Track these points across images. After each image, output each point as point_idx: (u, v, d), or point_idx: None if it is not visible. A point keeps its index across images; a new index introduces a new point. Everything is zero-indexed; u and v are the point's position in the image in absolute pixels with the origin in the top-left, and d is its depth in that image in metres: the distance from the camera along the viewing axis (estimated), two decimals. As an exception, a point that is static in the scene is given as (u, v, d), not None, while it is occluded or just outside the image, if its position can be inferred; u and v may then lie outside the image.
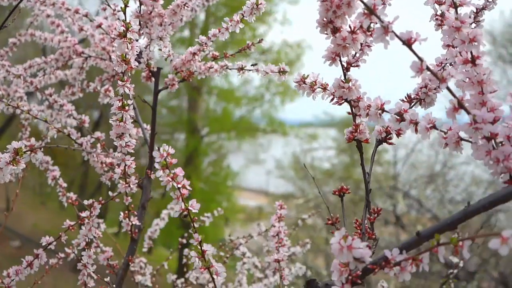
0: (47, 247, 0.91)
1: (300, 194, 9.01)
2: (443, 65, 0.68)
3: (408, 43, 0.50)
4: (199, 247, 0.65)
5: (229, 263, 1.73)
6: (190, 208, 0.63)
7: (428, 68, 0.50)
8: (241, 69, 0.95)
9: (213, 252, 0.75)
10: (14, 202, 1.16)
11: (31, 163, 1.27)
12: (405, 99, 0.68)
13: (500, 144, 0.52)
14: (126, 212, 0.96)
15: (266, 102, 12.18)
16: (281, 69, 0.86)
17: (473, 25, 0.72)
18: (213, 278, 0.64)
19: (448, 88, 0.51)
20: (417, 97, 0.68)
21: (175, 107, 11.85)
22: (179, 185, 0.62)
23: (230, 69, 0.97)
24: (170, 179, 0.61)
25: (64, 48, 1.21)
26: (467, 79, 0.54)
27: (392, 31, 0.50)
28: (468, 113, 0.51)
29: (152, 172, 0.95)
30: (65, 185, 1.10)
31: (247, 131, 12.18)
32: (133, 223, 0.96)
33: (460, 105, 0.51)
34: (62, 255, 1.10)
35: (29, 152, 0.67)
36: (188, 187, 0.62)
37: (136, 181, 0.90)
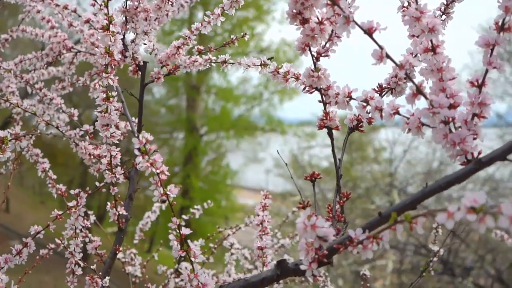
0: (35, 235, 0.94)
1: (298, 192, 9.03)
2: (413, 55, 0.71)
3: (369, 32, 0.53)
4: (177, 231, 0.67)
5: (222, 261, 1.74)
6: (168, 193, 0.65)
7: (387, 56, 0.53)
8: (224, 62, 0.98)
9: (201, 244, 0.78)
10: (6, 193, 1.18)
11: (29, 162, 1.29)
12: (376, 89, 0.71)
13: (459, 128, 0.55)
14: (113, 202, 0.98)
15: (265, 100, 12.24)
16: (263, 62, 0.89)
17: (443, 16, 0.75)
18: (190, 261, 0.67)
19: (407, 75, 0.54)
20: (388, 86, 0.71)
21: (174, 106, 11.90)
22: (158, 171, 0.64)
23: (214, 62, 1.00)
24: (149, 165, 0.64)
25: (54, 43, 1.23)
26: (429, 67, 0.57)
27: (353, 21, 0.52)
28: (426, 98, 0.54)
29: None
30: (54, 177, 1.12)
31: (246, 129, 12.23)
32: (120, 213, 0.99)
33: (418, 91, 0.54)
34: (52, 245, 1.12)
35: (14, 140, 0.70)
36: (167, 173, 0.65)
37: (122, 172, 0.93)
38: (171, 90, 11.73)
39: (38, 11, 1.24)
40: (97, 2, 1.02)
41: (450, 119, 0.53)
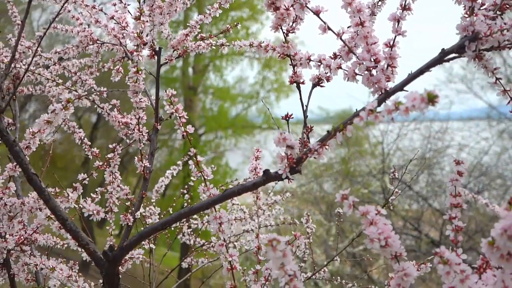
0: (82, 181, 1.22)
1: (298, 188, 9.31)
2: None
3: (317, 13, 0.82)
4: (195, 159, 0.96)
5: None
6: (188, 130, 0.94)
7: (329, 28, 0.82)
8: (222, 45, 1.26)
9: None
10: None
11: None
12: (331, 56, 0.99)
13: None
14: (140, 156, 1.27)
15: (262, 99, 12.52)
16: (251, 43, 1.17)
17: (380, 3, 1.03)
18: (204, 178, 0.96)
19: (342, 40, 0.83)
20: (340, 54, 0.99)
21: (166, 110, 12.14)
22: (180, 115, 0.93)
23: (214, 46, 1.29)
24: (174, 111, 0.93)
25: (83, 37, 1.52)
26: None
27: (306, 6, 0.81)
28: (355, 54, 0.82)
29: (159, 125, 1.26)
30: (89, 143, 1.40)
31: (244, 128, 12.50)
32: (145, 165, 1.27)
33: (350, 50, 0.83)
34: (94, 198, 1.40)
35: (77, 100, 0.99)
36: (186, 117, 0.93)
37: (147, 131, 1.22)
38: (163, 90, 11.98)
39: (69, 11, 1.52)
40: (121, 1, 1.31)
41: (371, 68, 0.82)
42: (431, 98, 0.58)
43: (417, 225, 6.32)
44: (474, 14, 0.75)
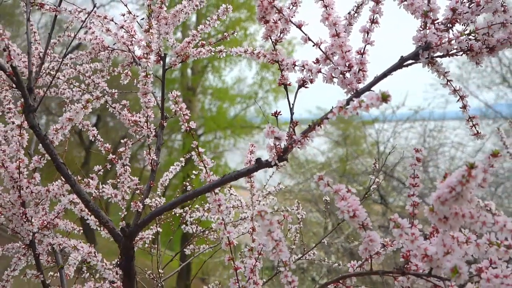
0: (98, 172, 1.38)
1: (296, 188, 9.45)
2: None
3: (299, 26, 0.98)
4: (196, 150, 1.12)
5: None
6: (190, 125, 1.10)
7: (309, 39, 0.98)
8: (220, 51, 1.42)
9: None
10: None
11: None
12: (314, 61, 1.15)
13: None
14: (148, 150, 1.43)
15: (260, 99, 12.67)
16: (245, 50, 1.34)
17: (356, 14, 1.19)
18: (205, 166, 1.12)
19: (320, 49, 0.99)
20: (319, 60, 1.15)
21: (171, 109, 12.31)
22: (184, 113, 1.09)
23: (213, 52, 1.45)
24: (179, 109, 1.08)
25: (95, 44, 1.68)
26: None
27: (290, 21, 0.97)
28: (331, 61, 0.99)
29: (164, 122, 1.42)
30: (102, 140, 1.56)
31: (243, 128, 12.65)
32: (153, 158, 1.43)
33: (327, 57, 0.99)
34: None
35: (96, 100, 1.14)
36: (189, 114, 1.09)
37: (155, 127, 1.38)
38: (168, 92, 12.14)
39: (82, 21, 1.68)
40: (130, 13, 1.47)
41: (345, 72, 0.98)
42: (385, 97, 0.74)
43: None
44: (427, 27, 0.91)
